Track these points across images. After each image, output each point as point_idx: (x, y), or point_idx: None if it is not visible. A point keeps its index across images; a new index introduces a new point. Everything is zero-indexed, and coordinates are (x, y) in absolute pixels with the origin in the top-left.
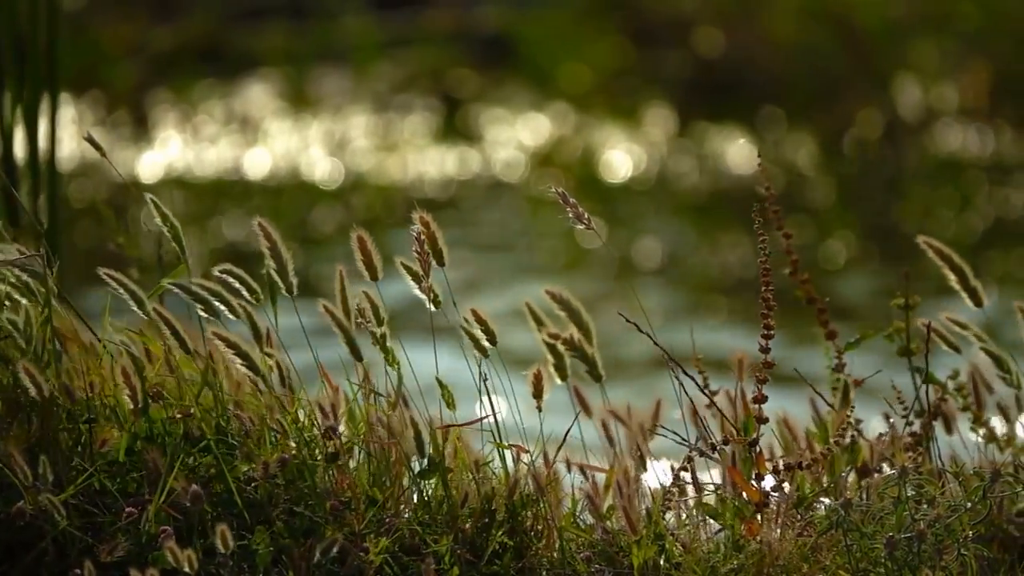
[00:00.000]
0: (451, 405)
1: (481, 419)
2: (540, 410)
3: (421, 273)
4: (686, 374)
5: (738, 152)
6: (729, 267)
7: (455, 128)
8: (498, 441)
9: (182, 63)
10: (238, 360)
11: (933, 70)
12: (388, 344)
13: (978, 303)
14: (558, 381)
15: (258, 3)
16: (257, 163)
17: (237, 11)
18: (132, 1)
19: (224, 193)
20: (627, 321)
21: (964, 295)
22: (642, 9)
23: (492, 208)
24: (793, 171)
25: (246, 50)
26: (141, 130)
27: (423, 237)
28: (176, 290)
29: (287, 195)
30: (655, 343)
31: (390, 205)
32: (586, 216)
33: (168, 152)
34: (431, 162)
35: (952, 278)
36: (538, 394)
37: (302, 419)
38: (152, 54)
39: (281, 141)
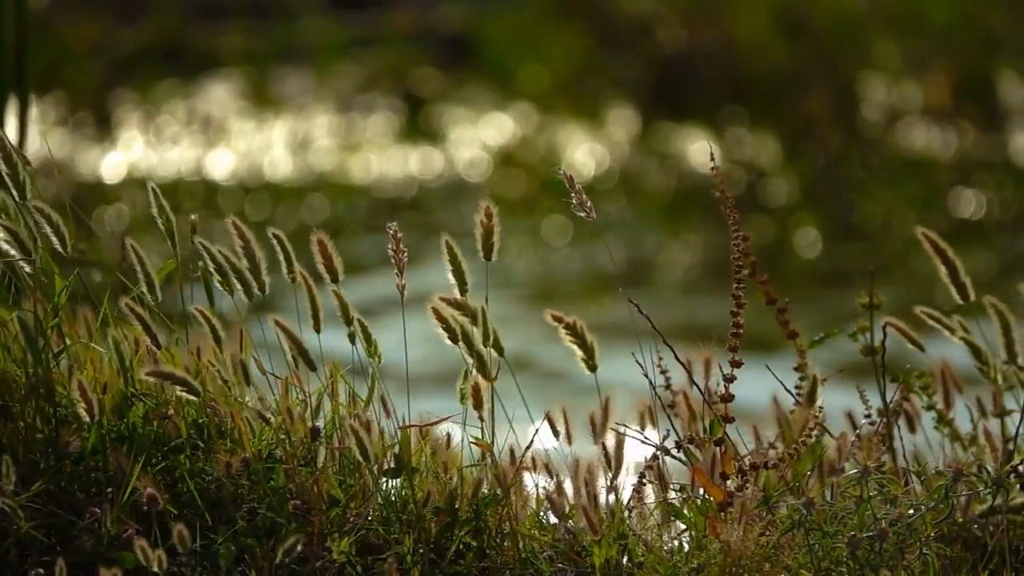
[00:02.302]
0: (464, 398)
1: (446, 419)
2: (482, 420)
3: (396, 271)
4: (682, 364)
5: (701, 151)
6: (693, 265)
7: (417, 128)
8: (479, 440)
9: (145, 63)
10: (179, 388)
11: (897, 69)
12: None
13: (965, 298)
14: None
15: (220, 2)
16: (220, 163)
17: (199, 10)
18: (95, 1)
19: (187, 193)
20: (629, 301)
21: (952, 289)
22: (604, 9)
23: (455, 208)
24: (756, 170)
25: (208, 50)
26: (104, 130)
27: (397, 241)
28: (201, 249)
29: (250, 195)
30: (653, 327)
31: (353, 205)
32: (588, 204)
33: (131, 152)
34: (394, 162)
35: (943, 271)
36: (478, 405)
37: (279, 417)
38: (115, 54)
39: (243, 141)
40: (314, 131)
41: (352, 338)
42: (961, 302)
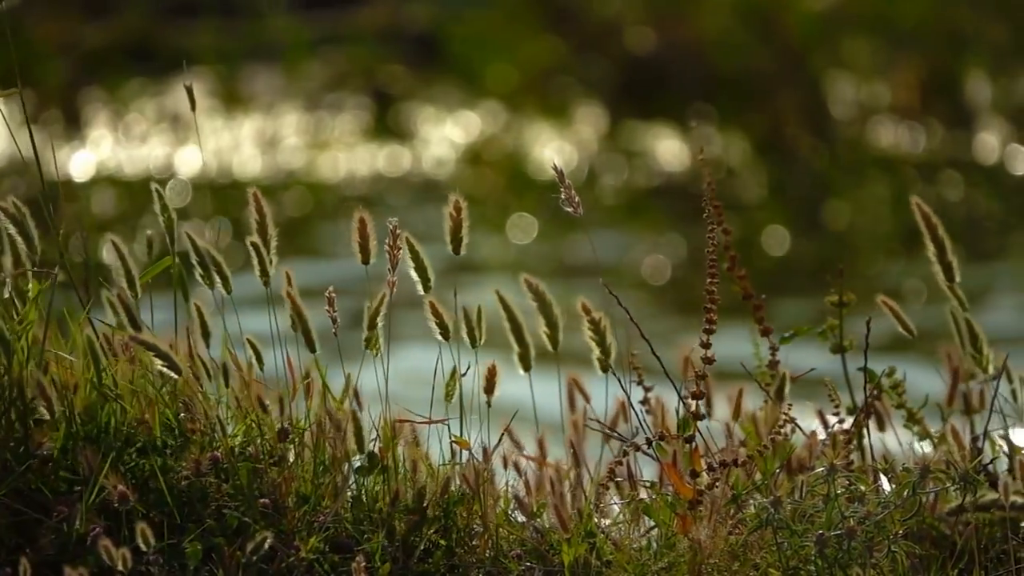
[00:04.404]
0: (449, 395)
1: (437, 421)
2: (490, 405)
3: (388, 267)
4: (656, 355)
5: (668, 150)
6: (660, 265)
7: (386, 126)
8: (458, 437)
9: (113, 61)
10: (159, 361)
11: (865, 68)
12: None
13: (950, 278)
14: (521, 372)
15: (188, 1)
16: (189, 161)
17: (168, 9)
18: None
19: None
20: (609, 293)
21: (938, 268)
22: (573, 8)
23: (423, 206)
24: (724, 169)
25: (177, 48)
26: (72, 128)
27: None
28: (189, 244)
29: (219, 193)
30: (634, 323)
31: (321, 202)
32: (576, 200)
33: (99, 150)
34: (362, 160)
35: (931, 249)
36: (490, 389)
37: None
38: (83, 52)
39: (213, 139)
40: (283, 129)
41: (368, 342)
42: (947, 282)
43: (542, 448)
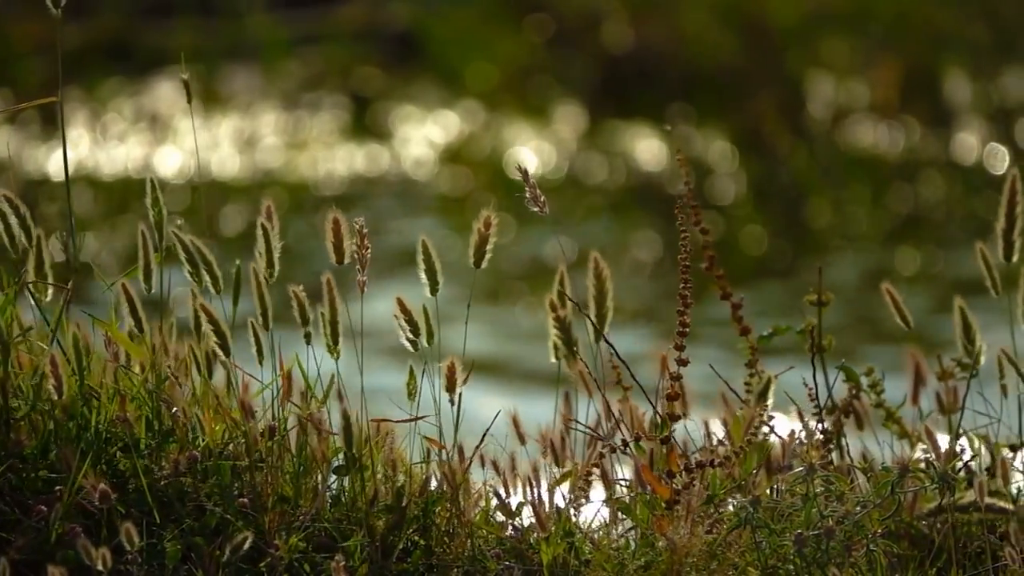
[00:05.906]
0: (412, 394)
1: (416, 419)
2: (452, 403)
3: (358, 267)
4: (627, 367)
5: (648, 149)
6: (640, 264)
7: (364, 126)
8: (431, 438)
9: (91, 61)
10: (214, 337)
11: (844, 67)
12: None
13: (1008, 257)
14: (553, 360)
15: (166, 0)
16: (166, 161)
17: (145, 8)
18: None
19: (133, 191)
20: (575, 305)
21: (1000, 242)
22: (551, 6)
23: (401, 205)
24: (704, 168)
25: (155, 48)
26: (50, 128)
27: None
28: (175, 240)
29: (197, 193)
30: (598, 330)
31: (299, 202)
32: (542, 199)
33: (77, 150)
34: (340, 159)
35: (1001, 222)
36: (451, 387)
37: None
38: (61, 51)
39: (190, 139)
40: (261, 129)
41: (308, 337)
42: (1003, 261)
43: (554, 447)
